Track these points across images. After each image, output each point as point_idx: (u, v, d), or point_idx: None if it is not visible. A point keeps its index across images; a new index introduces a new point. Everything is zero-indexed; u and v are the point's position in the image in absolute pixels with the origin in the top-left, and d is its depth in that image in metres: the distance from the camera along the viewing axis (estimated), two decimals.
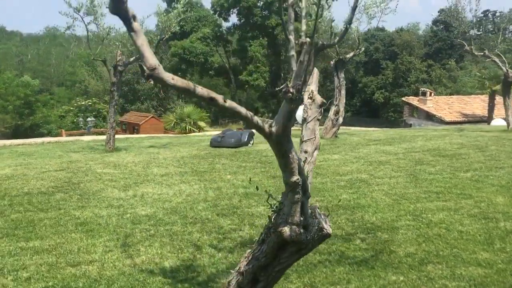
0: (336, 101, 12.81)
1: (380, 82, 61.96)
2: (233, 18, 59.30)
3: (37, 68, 71.83)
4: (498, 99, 39.59)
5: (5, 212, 6.23)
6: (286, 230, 2.40)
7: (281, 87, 2.11)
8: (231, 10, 57.02)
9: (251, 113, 2.18)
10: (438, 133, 14.11)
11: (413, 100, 43.59)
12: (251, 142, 11.86)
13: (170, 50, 56.31)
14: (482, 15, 76.17)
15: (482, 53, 14.15)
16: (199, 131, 31.99)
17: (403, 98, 48.37)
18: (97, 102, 53.58)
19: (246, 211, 6.15)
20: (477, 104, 42.72)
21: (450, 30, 65.39)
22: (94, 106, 51.62)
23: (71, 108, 51.93)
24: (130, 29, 1.82)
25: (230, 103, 2.10)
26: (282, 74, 56.85)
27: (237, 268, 2.67)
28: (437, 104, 41.46)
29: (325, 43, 9.27)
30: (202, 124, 33.58)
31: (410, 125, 40.37)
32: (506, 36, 73.20)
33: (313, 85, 2.80)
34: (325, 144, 11.59)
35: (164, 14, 10.16)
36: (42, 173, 8.46)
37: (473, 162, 9.09)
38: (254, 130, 11.38)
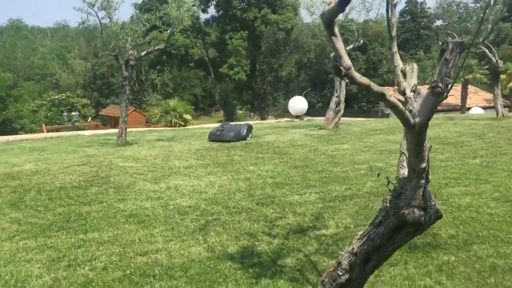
0: (336, 92, 13.13)
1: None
2: (212, 10, 59.03)
3: (3, 62, 69.59)
4: (470, 88, 40.61)
5: (48, 206, 6.33)
6: (409, 212, 2.64)
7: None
8: (210, 2, 56.72)
9: (402, 107, 2.40)
10: (432, 122, 14.54)
11: (389, 90, 44.28)
12: (250, 136, 11.72)
13: (151, 43, 55.76)
14: (446, 5, 77.86)
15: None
16: (184, 124, 31.92)
17: None
18: (71, 96, 52.77)
19: (283, 200, 6.38)
20: (452, 93, 43.75)
21: (417, 21, 66.88)
22: (68, 100, 50.80)
23: (44, 103, 50.94)
24: (331, 33, 2.03)
25: (392, 99, 2.33)
26: (257, 66, 56.79)
27: (350, 249, 2.90)
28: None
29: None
30: (187, 117, 33.50)
31: (388, 115, 41.11)
32: (470, 26, 74.83)
33: (414, 79, 3.03)
34: (330, 134, 11.90)
35: (175, 8, 10.24)
36: (66, 168, 8.52)
37: (477, 149, 9.52)
38: (251, 124, 11.51)
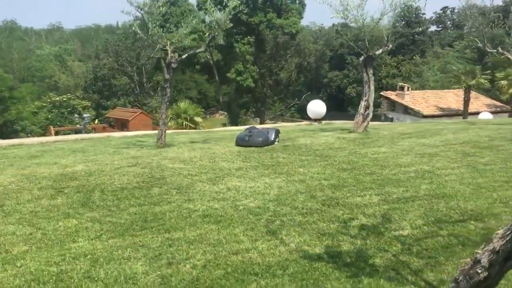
0: (365, 96, 13.24)
1: (351, 77, 63.44)
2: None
3: None
4: (471, 93, 40.91)
5: (119, 206, 6.44)
6: None
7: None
8: (216, 6, 56.74)
9: None
10: (456, 126, 14.73)
11: (391, 95, 44.75)
12: (277, 141, 11.33)
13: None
14: (441, 11, 78.38)
15: (495, 50, 14.78)
16: (195, 127, 32.03)
17: (381, 93, 49.63)
18: (72, 98, 52.73)
19: (347, 202, 6.51)
20: (451, 98, 44.20)
21: (411, 26, 67.44)
22: (68, 102, 50.70)
23: (44, 104, 50.81)
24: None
25: None
26: (257, 70, 56.81)
27: (491, 247, 3.02)
28: (414, 98, 42.76)
29: None
30: (198, 119, 33.59)
31: (392, 119, 41.38)
32: (464, 31, 75.33)
33: None
34: (362, 137, 12.02)
35: (216, 11, 10.37)
36: (117, 169, 8.61)
37: None
38: (279, 128, 11.48)
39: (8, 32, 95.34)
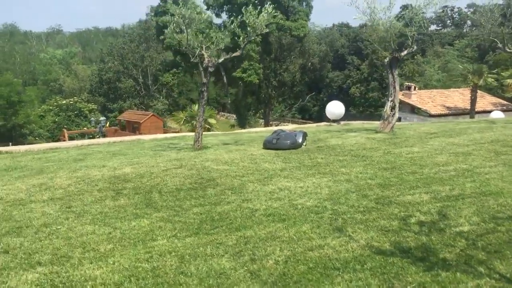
0: (391, 97, 13.49)
1: (355, 77, 63.74)
2: (224, 15, 59.32)
3: (2, 67, 69.48)
4: (479, 92, 41.13)
5: (182, 206, 6.69)
6: None
7: None
8: (223, 7, 57.16)
9: None
10: (478, 126, 14.94)
11: (399, 94, 44.85)
12: (305, 144, 11.28)
13: (165, 41, 56.12)
14: (441, 11, 78.46)
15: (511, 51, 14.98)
16: (209, 129, 32.29)
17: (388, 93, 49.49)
18: (78, 101, 53.03)
19: (400, 200, 6.75)
20: (457, 98, 44.43)
21: (411, 25, 67.30)
22: (75, 105, 50.97)
23: (50, 108, 51.09)
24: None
25: None
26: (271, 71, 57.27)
27: None
28: (420, 98, 43.02)
29: None
30: (212, 121, 33.94)
31: (400, 119, 41.51)
32: (464, 30, 75.24)
33: None
34: (391, 138, 12.25)
35: (255, 15, 10.62)
36: (165, 170, 8.87)
37: None
38: (306, 131, 11.54)
39: (9, 36, 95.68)
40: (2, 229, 5.87)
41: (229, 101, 64.61)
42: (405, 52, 13.42)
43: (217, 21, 58.01)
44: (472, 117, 37.95)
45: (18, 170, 9.57)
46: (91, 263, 4.82)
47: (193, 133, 18.54)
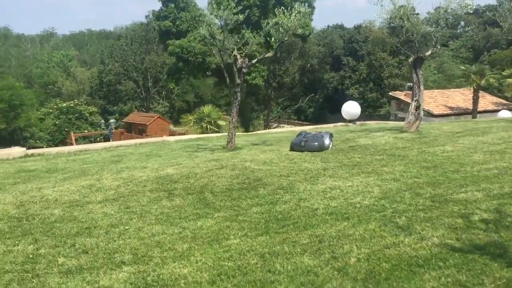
0: (416, 96, 13.53)
1: (354, 78, 63.90)
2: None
3: None
4: (479, 92, 41.35)
5: (240, 205, 6.70)
6: None
7: None
8: (225, 9, 56.95)
9: None
10: (498, 125, 15.00)
11: (400, 95, 45.17)
12: (331, 145, 11.09)
13: (168, 49, 56.19)
14: (434, 11, 79.10)
15: None
16: (218, 131, 32.29)
17: (390, 93, 50.10)
18: (79, 104, 52.88)
19: (455, 198, 6.76)
20: (458, 98, 44.67)
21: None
22: (76, 108, 50.82)
23: (50, 110, 50.93)
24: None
25: None
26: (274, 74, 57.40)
27: None
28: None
29: None
30: (221, 123, 33.98)
31: (404, 119, 41.49)
32: (458, 31, 75.59)
33: None
34: (419, 137, 12.29)
35: (288, 15, 10.65)
36: (208, 171, 8.88)
37: None
38: (331, 132, 11.44)
39: (3, 39, 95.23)
40: (70, 230, 5.87)
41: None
42: (430, 52, 13.48)
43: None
44: (474, 117, 38.09)
45: (60, 172, 9.57)
46: (174, 262, 4.83)
47: (215, 134, 18.59)
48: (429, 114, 39.05)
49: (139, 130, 43.81)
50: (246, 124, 58.47)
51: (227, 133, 21.63)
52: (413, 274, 4.46)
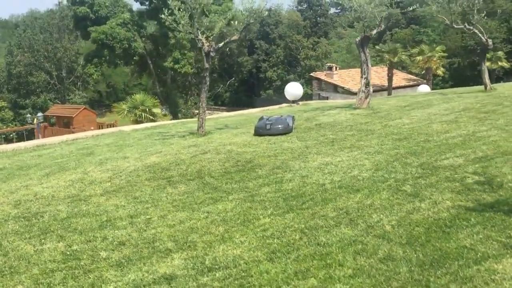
0: (365, 74, 14.09)
1: (272, 61, 65.02)
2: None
3: None
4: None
5: (248, 186, 6.72)
6: None
7: None
8: None
9: None
10: (435, 97, 16.00)
11: (321, 75, 46.77)
12: (294, 127, 11.09)
13: (91, 36, 53.54)
14: None
15: (462, 26, 16.15)
16: (154, 119, 31.47)
17: (311, 74, 51.69)
18: None
19: (441, 164, 7.21)
20: (373, 75, 46.98)
21: (314, 9, 70.48)
22: None
23: None
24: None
25: None
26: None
27: None
28: (341, 77, 45.01)
29: None
30: (157, 111, 33.06)
31: (327, 98, 43.19)
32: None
33: None
34: (374, 112, 12.87)
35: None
36: (194, 157, 8.74)
37: None
38: (293, 115, 11.63)
39: None
40: (91, 224, 5.61)
41: (159, 91, 63.10)
42: (375, 31, 14.01)
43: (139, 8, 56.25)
44: (390, 93, 40.33)
45: (34, 168, 8.98)
46: (220, 245, 4.81)
47: (165, 122, 18.18)
48: (349, 93, 40.78)
49: (64, 123, 41.55)
50: (173, 111, 57.56)
51: (167, 121, 21.12)
52: (447, 235, 4.77)
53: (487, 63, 42.41)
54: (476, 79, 45.25)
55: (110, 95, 68.64)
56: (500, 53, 46.48)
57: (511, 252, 4.30)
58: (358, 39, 14.28)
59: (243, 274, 4.18)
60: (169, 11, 10.53)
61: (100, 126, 36.26)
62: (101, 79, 64.26)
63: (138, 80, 67.18)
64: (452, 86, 42.27)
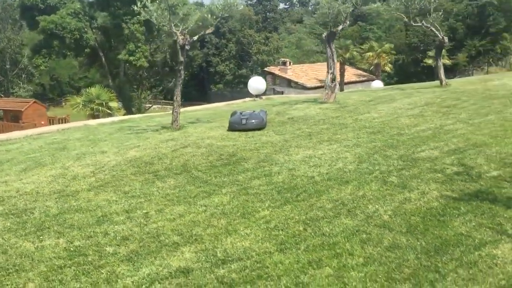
0: (330, 69, 14.34)
1: (223, 56, 64.90)
2: None
3: None
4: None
5: (238, 179, 6.72)
6: None
7: None
8: None
9: None
10: (394, 92, 16.51)
11: (275, 70, 47.11)
12: (266, 121, 10.88)
13: (40, 25, 51.26)
14: None
15: (420, 24, 16.75)
16: (111, 113, 30.69)
17: (265, 69, 51.87)
18: None
19: (419, 156, 7.51)
20: (325, 71, 47.85)
21: (263, 4, 71.15)
22: None
23: None
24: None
25: None
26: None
27: None
28: (294, 72, 45.57)
29: None
30: (113, 104, 32.15)
31: (282, 92, 43.69)
32: (310, 9, 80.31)
33: None
34: (341, 107, 13.14)
35: None
36: (174, 151, 8.62)
37: (479, 108, 11.52)
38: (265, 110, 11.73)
39: None
40: (87, 220, 5.44)
41: (111, 84, 61.33)
42: (340, 27, 14.28)
43: None
44: (342, 88, 41.21)
45: (8, 163, 8.54)
46: (227, 237, 4.81)
47: (132, 116, 17.77)
48: (303, 87, 41.28)
49: (12, 117, 39.65)
50: (127, 105, 56.18)
51: (133, 115, 20.72)
52: (443, 223, 4.99)
53: (429, 61, 44.36)
54: (419, 76, 47.14)
55: (54, 88, 65.86)
56: (442, 51, 48.41)
57: (506, 238, 4.54)
58: (324, 34, 14.50)
59: (258, 265, 4.20)
60: (142, 3, 10.30)
61: (51, 121, 34.87)
62: (45, 72, 61.68)
63: (86, 73, 64.94)
64: (397, 82, 43.65)
